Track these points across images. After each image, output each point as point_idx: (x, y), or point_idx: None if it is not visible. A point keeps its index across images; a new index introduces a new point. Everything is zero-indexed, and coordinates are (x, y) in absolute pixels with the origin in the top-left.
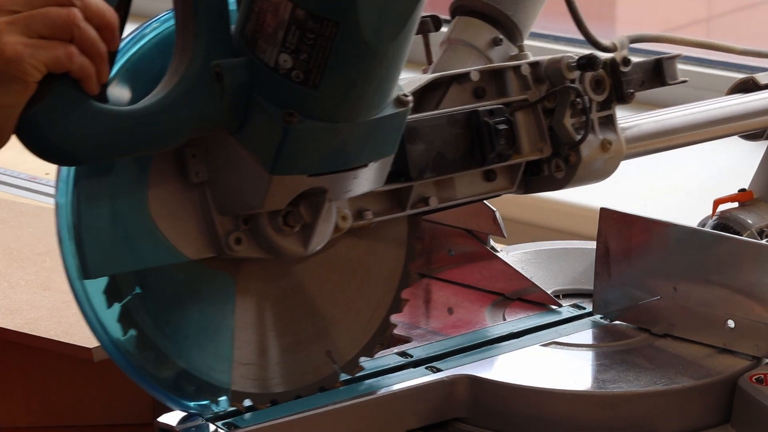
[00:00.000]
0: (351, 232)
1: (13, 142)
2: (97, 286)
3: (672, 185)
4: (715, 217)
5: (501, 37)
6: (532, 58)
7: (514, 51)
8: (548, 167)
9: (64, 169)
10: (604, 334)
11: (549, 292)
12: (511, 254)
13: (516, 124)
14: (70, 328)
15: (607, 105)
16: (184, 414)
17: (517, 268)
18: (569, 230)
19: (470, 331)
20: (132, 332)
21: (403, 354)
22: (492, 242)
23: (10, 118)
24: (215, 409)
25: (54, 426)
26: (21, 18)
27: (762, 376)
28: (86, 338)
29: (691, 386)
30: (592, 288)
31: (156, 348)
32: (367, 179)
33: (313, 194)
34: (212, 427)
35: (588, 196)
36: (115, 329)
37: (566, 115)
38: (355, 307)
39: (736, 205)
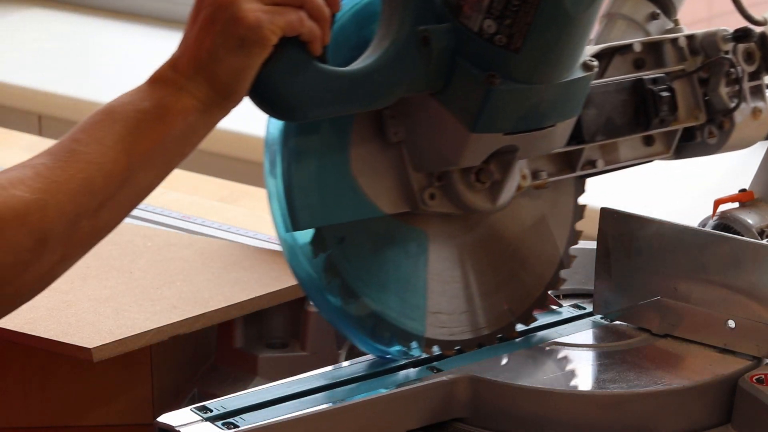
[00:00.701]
0: (526, 192)
1: (14, 142)
2: (304, 237)
3: (673, 185)
4: (715, 218)
5: (658, 11)
6: (687, 32)
7: (670, 25)
8: (701, 134)
9: (272, 132)
10: (604, 334)
11: (549, 292)
12: None
13: (675, 92)
14: (70, 328)
15: (756, 75)
16: (184, 414)
17: None
18: None
19: None
20: (335, 281)
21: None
22: None
23: (246, 79)
24: (408, 355)
25: (54, 426)
26: None
27: (762, 376)
28: (86, 338)
29: (692, 386)
30: (592, 288)
31: (356, 296)
32: (552, 139)
33: (505, 152)
34: (212, 427)
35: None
36: (321, 278)
37: (721, 84)
38: (529, 261)
39: (736, 205)
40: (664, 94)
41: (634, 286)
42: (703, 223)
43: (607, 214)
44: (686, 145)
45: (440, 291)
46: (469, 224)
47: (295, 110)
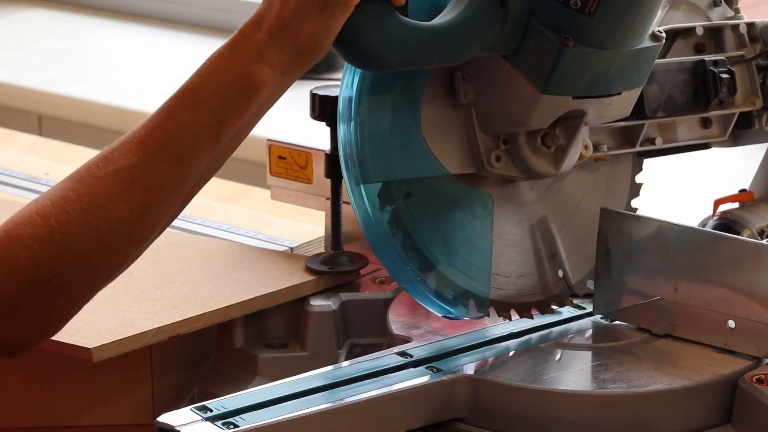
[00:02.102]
0: (587, 164)
1: (14, 142)
2: (372, 190)
3: (673, 185)
4: (715, 218)
5: None
6: (748, 19)
7: (731, 13)
8: (759, 121)
9: (346, 95)
10: (604, 334)
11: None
12: None
13: (734, 76)
14: (70, 328)
15: None
16: (184, 414)
17: None
18: None
19: (470, 331)
20: (399, 234)
21: (403, 354)
22: None
23: (328, 39)
24: (467, 316)
25: (54, 426)
26: None
27: (762, 376)
28: (86, 338)
29: (692, 386)
30: (592, 288)
31: (419, 251)
32: (617, 108)
33: (571, 117)
34: (212, 427)
35: None
36: (386, 229)
37: None
38: (585, 234)
39: (736, 205)
40: (725, 76)
41: (634, 286)
42: (703, 223)
43: (607, 214)
44: (744, 133)
45: (504, 254)
46: (534, 190)
47: (377, 59)
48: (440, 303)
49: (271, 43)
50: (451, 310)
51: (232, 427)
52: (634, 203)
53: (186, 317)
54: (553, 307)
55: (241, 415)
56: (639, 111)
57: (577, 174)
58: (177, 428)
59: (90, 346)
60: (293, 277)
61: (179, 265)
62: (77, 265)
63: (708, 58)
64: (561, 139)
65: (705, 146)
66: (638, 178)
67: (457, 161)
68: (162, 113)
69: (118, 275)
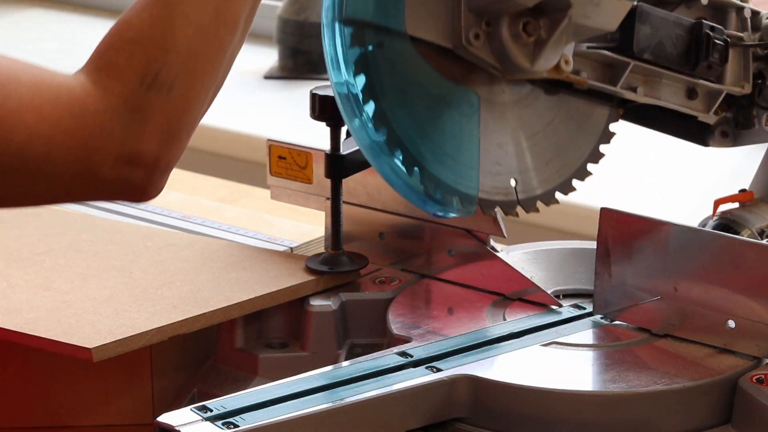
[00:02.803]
0: (564, 95)
1: None
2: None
3: (673, 185)
4: (715, 218)
5: None
6: (754, 7)
7: None
8: (759, 121)
9: None
10: (604, 334)
11: (549, 292)
12: (511, 254)
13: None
14: (70, 328)
15: None
16: (184, 414)
17: (517, 268)
18: (569, 230)
19: (470, 331)
20: (383, 131)
21: (403, 354)
22: (492, 242)
23: None
24: (449, 214)
25: (54, 426)
26: None
27: (763, 376)
28: (86, 338)
29: (692, 386)
30: (592, 288)
31: (405, 149)
32: (604, 13)
33: (556, 9)
34: (212, 426)
35: (588, 196)
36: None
37: None
38: (547, 156)
39: (736, 205)
40: (719, 42)
41: (634, 286)
42: (703, 223)
43: (607, 214)
44: (744, 133)
45: (489, 151)
46: (510, 94)
47: None
48: (429, 202)
49: None
50: (440, 208)
51: (232, 427)
52: (603, 149)
53: (186, 317)
54: (553, 307)
55: (241, 415)
56: (626, 47)
57: (554, 97)
58: (177, 428)
59: (90, 346)
60: (293, 277)
61: (179, 265)
62: (178, 52)
63: (707, 22)
64: (542, 31)
65: (684, 127)
66: (635, 179)
67: (437, 31)
68: None
69: (224, 69)
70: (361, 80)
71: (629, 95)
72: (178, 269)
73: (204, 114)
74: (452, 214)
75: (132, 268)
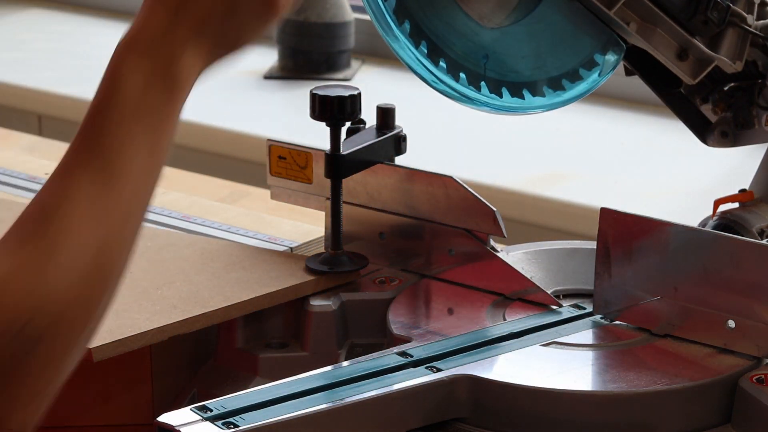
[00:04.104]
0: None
1: (14, 142)
2: None
3: (672, 185)
4: (715, 218)
5: None
6: None
7: None
8: (758, 121)
9: None
10: (604, 334)
11: (549, 292)
12: (511, 254)
13: (728, 26)
14: None
15: None
16: (184, 414)
17: (517, 268)
18: (569, 230)
19: (470, 331)
20: (406, 24)
21: (403, 354)
22: (492, 242)
23: (252, 40)
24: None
25: (54, 426)
26: None
27: (763, 376)
28: None
29: (692, 386)
30: (592, 288)
31: (428, 38)
32: None
33: None
34: (212, 426)
35: (588, 196)
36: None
37: None
38: (560, 47)
39: (736, 205)
40: (722, 1)
41: (634, 286)
42: (703, 223)
43: (607, 214)
44: (744, 133)
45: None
46: None
47: None
48: (454, 90)
49: (196, 37)
50: (466, 92)
51: (232, 427)
52: None
53: (186, 317)
54: (553, 307)
55: (241, 415)
56: None
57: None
58: (177, 428)
59: (90, 346)
60: (293, 277)
61: (179, 265)
62: (50, 302)
63: None
64: None
65: (668, 90)
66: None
67: None
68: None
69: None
70: None
71: (621, 27)
72: (178, 269)
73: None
74: (479, 100)
75: (132, 268)
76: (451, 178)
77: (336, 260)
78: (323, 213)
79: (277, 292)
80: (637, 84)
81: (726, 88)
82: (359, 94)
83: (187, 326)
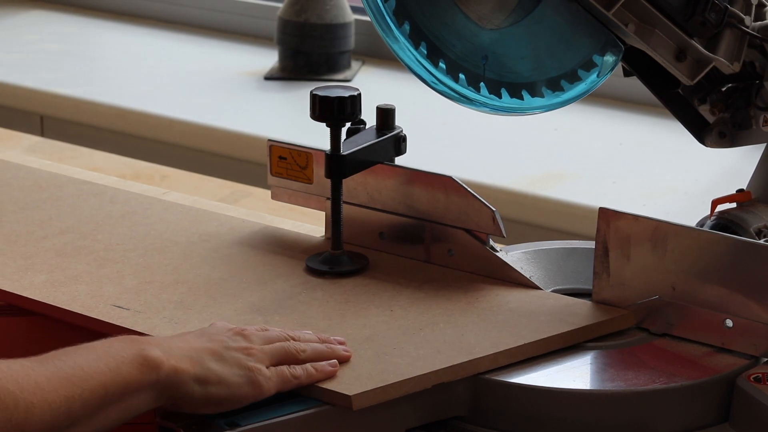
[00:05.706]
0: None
1: (16, 143)
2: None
3: (670, 185)
4: (713, 218)
5: None
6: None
7: None
8: (756, 122)
9: None
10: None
11: (549, 291)
12: (511, 254)
13: (725, 27)
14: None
15: None
16: (184, 414)
17: (517, 268)
18: (569, 230)
19: None
20: (406, 25)
21: None
22: (492, 242)
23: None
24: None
25: None
26: None
27: (760, 375)
28: (345, 385)
29: (690, 385)
30: (590, 287)
31: (428, 39)
32: None
33: None
34: (213, 426)
35: (587, 196)
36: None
37: None
38: (559, 48)
39: (734, 205)
40: (719, 3)
41: (633, 286)
42: (701, 223)
43: (605, 214)
44: (741, 133)
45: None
46: None
47: None
48: (453, 90)
49: (170, 377)
50: (466, 93)
51: (233, 425)
52: None
53: (451, 364)
54: None
55: (241, 415)
56: None
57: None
58: (177, 428)
59: (350, 393)
60: (563, 323)
61: (442, 304)
62: None
63: None
64: None
65: (666, 91)
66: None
67: None
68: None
69: None
70: None
71: (619, 28)
72: (441, 309)
73: None
74: (477, 100)
75: (392, 305)
76: (450, 178)
77: (336, 260)
78: (323, 213)
79: (548, 339)
80: (635, 85)
81: (724, 89)
82: (359, 94)
83: (452, 374)
